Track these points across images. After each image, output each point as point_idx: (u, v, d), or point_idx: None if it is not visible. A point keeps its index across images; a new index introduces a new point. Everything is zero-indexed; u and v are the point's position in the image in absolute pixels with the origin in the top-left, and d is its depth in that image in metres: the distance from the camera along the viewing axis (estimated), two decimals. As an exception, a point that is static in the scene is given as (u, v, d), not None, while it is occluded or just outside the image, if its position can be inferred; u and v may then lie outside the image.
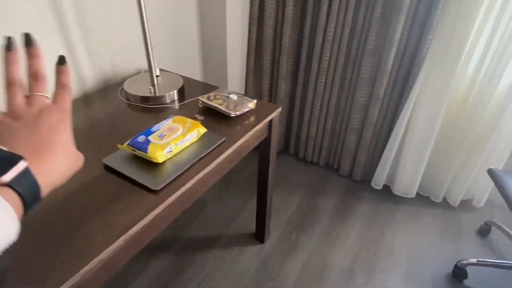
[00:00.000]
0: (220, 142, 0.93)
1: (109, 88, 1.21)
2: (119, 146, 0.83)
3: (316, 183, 1.87)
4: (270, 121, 1.14)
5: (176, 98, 1.15)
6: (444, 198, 1.76)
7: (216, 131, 0.98)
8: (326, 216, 1.66)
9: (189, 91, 1.21)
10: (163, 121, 0.91)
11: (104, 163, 0.82)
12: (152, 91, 1.13)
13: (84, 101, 1.12)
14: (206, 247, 1.49)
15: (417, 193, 1.79)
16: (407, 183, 1.71)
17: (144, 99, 1.11)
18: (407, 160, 1.65)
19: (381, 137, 1.70)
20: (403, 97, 1.54)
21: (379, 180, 1.77)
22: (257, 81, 1.86)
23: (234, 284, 1.34)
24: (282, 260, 1.44)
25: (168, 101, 1.13)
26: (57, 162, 0.34)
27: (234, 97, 1.09)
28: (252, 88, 1.85)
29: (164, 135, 0.85)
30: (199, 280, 1.35)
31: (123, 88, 1.17)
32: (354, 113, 1.67)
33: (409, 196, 1.75)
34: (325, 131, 1.83)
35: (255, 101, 1.09)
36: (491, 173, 1.36)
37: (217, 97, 1.09)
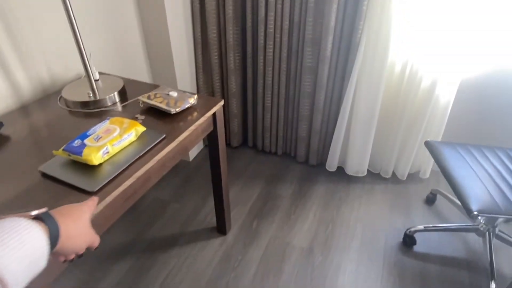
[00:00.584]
0: (160, 139, 0.95)
1: (49, 97, 1.19)
2: (54, 152, 0.83)
3: (275, 172, 1.93)
4: (214, 115, 1.17)
5: (117, 100, 1.16)
6: (393, 173, 1.88)
7: (158, 129, 1.00)
8: (286, 202, 1.72)
9: (131, 92, 1.21)
10: (100, 124, 0.92)
11: (40, 171, 0.82)
12: (91, 95, 1.12)
13: (22, 112, 1.10)
14: (168, 246, 1.50)
15: (368, 171, 1.90)
16: (358, 163, 1.81)
17: (84, 104, 1.10)
18: (355, 141, 1.74)
19: (330, 121, 1.78)
20: (344, 82, 1.62)
21: (332, 163, 1.85)
22: (208, 78, 1.88)
23: (197, 277, 1.37)
24: (244, 249, 1.48)
25: (109, 104, 1.13)
26: (73, 226, 0.49)
27: (174, 94, 1.11)
28: (203, 85, 1.87)
29: (100, 137, 0.86)
30: (162, 278, 1.37)
31: (62, 95, 1.15)
32: (303, 101, 1.74)
33: (360, 175, 1.85)
34: (279, 121, 1.89)
35: (195, 96, 1.12)
36: (427, 145, 1.47)
37: (157, 95, 1.10)
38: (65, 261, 0.54)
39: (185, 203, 1.72)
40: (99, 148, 0.82)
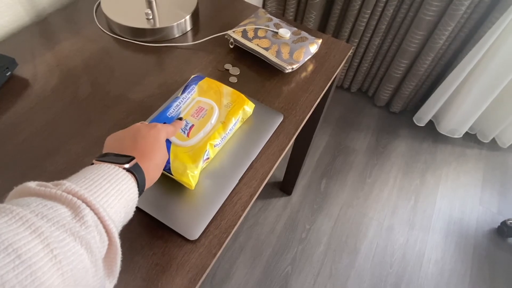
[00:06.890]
0: (279, 123, 0.58)
1: (79, 5, 0.75)
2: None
3: (346, 114, 1.57)
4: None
5: (188, 28, 0.73)
6: (493, 139, 1.53)
7: (260, 95, 0.62)
8: (359, 159, 1.43)
9: (208, 17, 0.77)
10: (185, 93, 0.54)
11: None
12: (151, 17, 0.69)
13: (42, 31, 0.69)
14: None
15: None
16: (458, 122, 1.44)
17: (137, 32, 0.69)
18: (466, 99, 1.33)
19: (441, 67, 1.34)
20: (488, 18, 1.12)
21: (424, 116, 1.48)
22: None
23: (259, 246, 1.17)
24: (312, 216, 1.26)
25: (176, 35, 0.71)
26: (154, 167, 0.38)
27: (285, 33, 0.68)
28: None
29: (191, 126, 0.50)
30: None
31: (99, 6, 0.72)
32: (413, 31, 1.25)
33: (456, 136, 1.51)
34: (368, 51, 1.43)
35: (319, 41, 0.69)
36: None
37: (259, 32, 0.68)
38: None
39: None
40: (197, 156, 0.47)
